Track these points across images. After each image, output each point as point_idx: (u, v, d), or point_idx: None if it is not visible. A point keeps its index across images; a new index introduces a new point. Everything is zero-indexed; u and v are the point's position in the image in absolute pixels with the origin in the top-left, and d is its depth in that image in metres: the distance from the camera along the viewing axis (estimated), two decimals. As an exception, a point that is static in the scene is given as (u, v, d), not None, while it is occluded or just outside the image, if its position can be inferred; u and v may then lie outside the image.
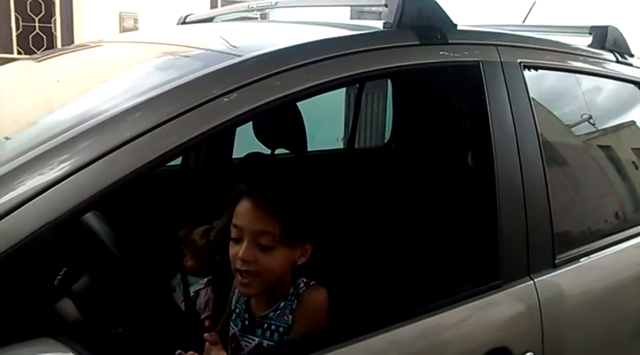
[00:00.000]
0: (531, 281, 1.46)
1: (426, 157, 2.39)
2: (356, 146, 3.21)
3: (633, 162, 2.02)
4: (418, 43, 1.39)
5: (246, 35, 1.69)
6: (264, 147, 2.15)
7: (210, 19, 2.08)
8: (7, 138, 1.18)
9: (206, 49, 1.46)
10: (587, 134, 1.93)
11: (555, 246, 1.52)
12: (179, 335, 1.37)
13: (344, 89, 5.06)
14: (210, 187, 2.18)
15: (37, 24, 7.01)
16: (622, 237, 1.76)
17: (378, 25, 1.47)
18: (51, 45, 7.06)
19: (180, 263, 1.89)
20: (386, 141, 3.05)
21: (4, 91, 1.63)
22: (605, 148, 1.96)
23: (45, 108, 1.40)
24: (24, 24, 6.94)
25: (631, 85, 1.98)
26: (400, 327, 1.25)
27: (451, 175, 1.96)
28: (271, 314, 1.34)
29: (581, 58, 1.83)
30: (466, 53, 1.49)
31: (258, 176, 1.37)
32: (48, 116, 1.32)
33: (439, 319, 1.32)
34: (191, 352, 1.19)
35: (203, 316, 1.84)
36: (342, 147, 3.96)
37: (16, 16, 6.89)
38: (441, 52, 1.44)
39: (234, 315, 1.41)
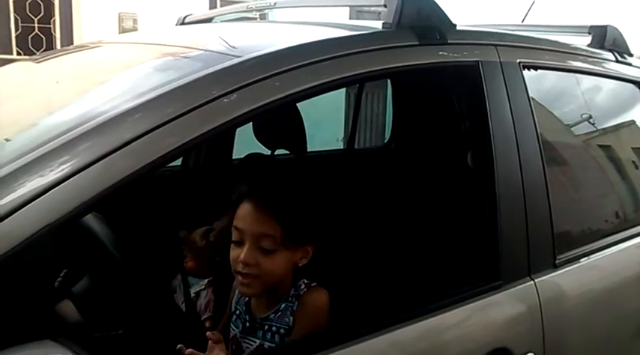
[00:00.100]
0: (532, 282, 1.46)
1: (425, 157, 2.39)
2: (356, 146, 3.22)
3: (633, 161, 2.02)
4: (417, 43, 1.39)
5: (245, 36, 1.69)
6: (264, 147, 2.15)
7: (209, 20, 2.07)
8: (7, 139, 1.18)
9: (206, 50, 1.46)
10: (586, 134, 1.93)
11: (555, 246, 1.52)
12: (180, 336, 1.37)
13: (344, 89, 5.06)
14: (210, 188, 2.19)
15: (36, 25, 7.00)
16: (622, 237, 1.76)
17: (378, 25, 1.46)
18: (50, 46, 7.04)
19: (180, 264, 1.89)
20: (386, 141, 3.05)
21: (3, 92, 1.63)
22: (605, 148, 1.96)
23: (45, 110, 1.40)
24: (23, 25, 6.92)
25: (630, 85, 1.99)
26: (401, 328, 1.25)
27: (451, 175, 1.96)
28: (272, 315, 1.33)
29: (581, 57, 1.83)
30: (465, 53, 1.49)
31: (259, 178, 1.36)
32: (48, 117, 1.32)
33: (440, 320, 1.31)
34: (190, 349, 1.19)
35: (204, 317, 1.84)
36: (342, 147, 3.96)
37: (15, 17, 6.88)
38: (441, 52, 1.44)
39: (235, 317, 1.41)
